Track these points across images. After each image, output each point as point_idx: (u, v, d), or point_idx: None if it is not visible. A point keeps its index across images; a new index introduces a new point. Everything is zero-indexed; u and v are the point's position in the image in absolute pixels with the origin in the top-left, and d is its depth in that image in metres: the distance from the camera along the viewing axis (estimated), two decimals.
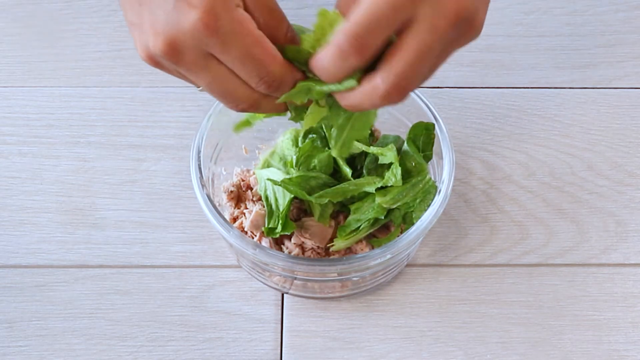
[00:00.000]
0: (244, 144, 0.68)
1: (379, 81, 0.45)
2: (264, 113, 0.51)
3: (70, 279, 0.66)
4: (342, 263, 0.57)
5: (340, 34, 0.44)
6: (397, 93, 0.45)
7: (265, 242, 0.61)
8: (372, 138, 0.63)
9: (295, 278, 0.61)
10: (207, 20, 0.43)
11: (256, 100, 0.48)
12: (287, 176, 0.59)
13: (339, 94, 0.48)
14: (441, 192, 0.58)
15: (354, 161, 0.61)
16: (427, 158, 0.61)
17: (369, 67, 0.46)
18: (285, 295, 0.65)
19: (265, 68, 0.45)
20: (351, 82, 0.47)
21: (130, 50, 0.77)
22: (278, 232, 0.59)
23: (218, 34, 0.44)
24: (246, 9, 0.45)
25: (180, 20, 0.43)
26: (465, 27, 0.45)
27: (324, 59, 0.45)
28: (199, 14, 0.43)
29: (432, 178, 0.61)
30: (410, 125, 0.61)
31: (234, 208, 0.65)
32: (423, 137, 0.60)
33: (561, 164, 0.72)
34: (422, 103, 0.62)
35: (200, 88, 0.49)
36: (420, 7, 0.43)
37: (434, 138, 0.61)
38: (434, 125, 0.60)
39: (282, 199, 0.60)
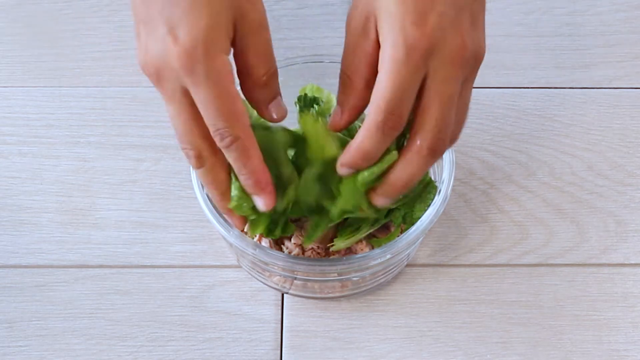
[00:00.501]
0: None
1: (418, 142, 0.48)
2: (208, 187, 0.52)
3: (70, 279, 0.66)
4: (342, 263, 0.57)
5: (375, 112, 0.46)
6: (439, 145, 0.48)
7: (265, 242, 0.61)
8: None
9: (295, 278, 0.61)
10: (185, 61, 0.45)
11: (202, 153, 0.49)
12: None
13: (387, 185, 0.50)
14: (441, 192, 0.58)
15: None
16: None
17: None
18: (285, 295, 0.65)
19: (223, 122, 0.47)
20: (392, 156, 0.49)
21: (130, 50, 0.77)
22: (278, 233, 0.59)
23: (193, 75, 0.46)
24: (241, 43, 0.48)
25: (166, 53, 0.46)
26: (472, 61, 0.47)
27: (365, 141, 0.48)
28: (179, 52, 0.45)
29: (432, 178, 0.61)
30: None
31: None
32: None
33: (561, 164, 0.72)
34: None
35: None
36: (430, 61, 0.45)
37: None
38: None
39: None
